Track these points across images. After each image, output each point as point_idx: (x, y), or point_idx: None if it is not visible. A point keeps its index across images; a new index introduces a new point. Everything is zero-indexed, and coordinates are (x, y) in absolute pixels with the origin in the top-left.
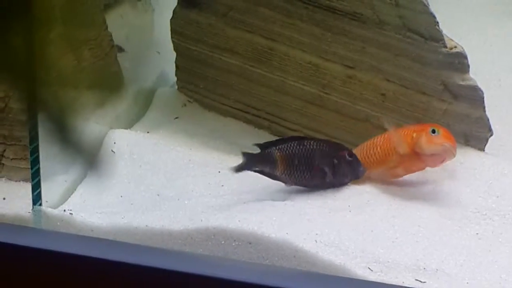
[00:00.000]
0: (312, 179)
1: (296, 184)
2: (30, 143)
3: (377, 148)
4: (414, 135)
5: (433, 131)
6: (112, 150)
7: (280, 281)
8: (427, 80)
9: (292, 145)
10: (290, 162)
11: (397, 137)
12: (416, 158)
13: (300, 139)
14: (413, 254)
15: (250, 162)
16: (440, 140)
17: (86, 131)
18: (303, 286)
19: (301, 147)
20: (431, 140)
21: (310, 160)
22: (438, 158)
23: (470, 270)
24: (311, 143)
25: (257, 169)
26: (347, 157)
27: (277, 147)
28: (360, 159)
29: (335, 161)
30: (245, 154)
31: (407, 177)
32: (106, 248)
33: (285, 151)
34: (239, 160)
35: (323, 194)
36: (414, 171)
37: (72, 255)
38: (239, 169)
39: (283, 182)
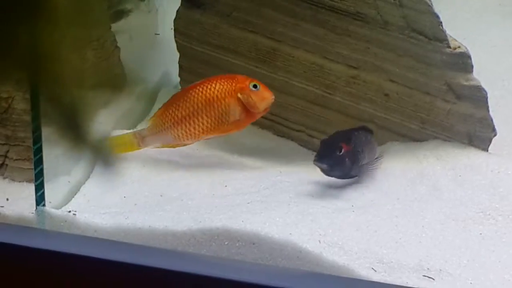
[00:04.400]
0: None
1: None
2: (34, 143)
3: (203, 118)
4: (240, 96)
5: (255, 86)
6: None
7: (284, 282)
8: (431, 80)
9: None
10: None
11: (226, 105)
12: (248, 116)
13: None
14: (416, 255)
15: None
16: (267, 94)
17: (91, 130)
18: (307, 286)
19: None
20: (261, 97)
21: None
22: (266, 110)
23: (474, 271)
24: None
25: None
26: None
27: None
28: (184, 130)
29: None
30: None
31: (412, 177)
32: (109, 248)
33: None
34: (242, 160)
35: (326, 194)
36: (245, 126)
37: (75, 255)
38: None
39: None
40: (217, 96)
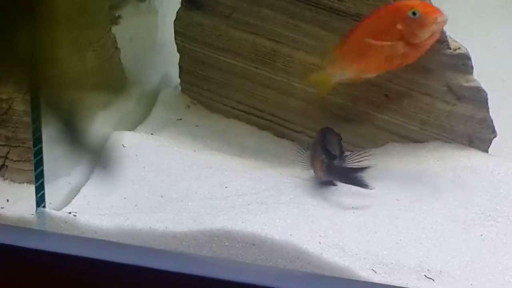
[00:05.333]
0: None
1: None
2: (34, 145)
3: (376, 52)
4: (400, 27)
5: (414, 14)
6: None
7: (284, 283)
8: (431, 81)
9: None
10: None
11: (389, 39)
12: (415, 46)
13: None
14: (417, 256)
15: None
16: (429, 19)
17: (90, 133)
18: None
19: None
20: (420, 24)
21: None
22: (435, 35)
23: (474, 272)
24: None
25: None
26: None
27: None
28: (363, 64)
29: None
30: None
31: (412, 178)
32: (110, 250)
33: None
34: (242, 161)
35: (327, 195)
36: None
37: (76, 257)
38: None
39: None
40: (381, 30)
